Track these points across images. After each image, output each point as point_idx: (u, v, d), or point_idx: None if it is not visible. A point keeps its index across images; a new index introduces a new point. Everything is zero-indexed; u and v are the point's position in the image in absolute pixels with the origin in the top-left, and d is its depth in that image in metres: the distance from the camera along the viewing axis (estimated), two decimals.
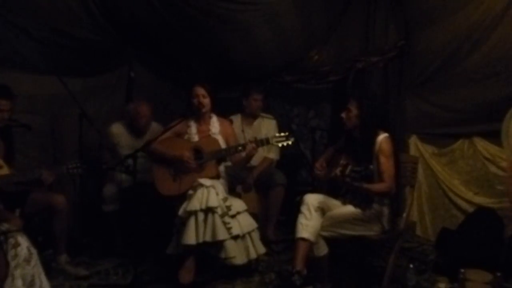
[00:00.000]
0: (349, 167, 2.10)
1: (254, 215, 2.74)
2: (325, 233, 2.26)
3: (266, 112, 3.47)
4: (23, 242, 1.11)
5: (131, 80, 3.62)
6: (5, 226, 1.09)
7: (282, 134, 2.50)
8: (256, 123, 3.40)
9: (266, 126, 3.39)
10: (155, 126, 3.18)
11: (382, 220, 2.27)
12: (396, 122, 3.25)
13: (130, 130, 3.13)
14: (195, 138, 2.71)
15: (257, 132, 3.33)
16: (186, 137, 2.74)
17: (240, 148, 2.56)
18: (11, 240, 1.09)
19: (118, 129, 3.13)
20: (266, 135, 3.22)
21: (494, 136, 2.79)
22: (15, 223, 2.20)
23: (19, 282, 1.06)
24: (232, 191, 2.85)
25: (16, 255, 1.08)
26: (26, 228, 2.07)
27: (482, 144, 2.91)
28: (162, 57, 3.72)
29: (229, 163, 2.82)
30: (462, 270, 2.13)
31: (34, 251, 1.13)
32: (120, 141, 3.10)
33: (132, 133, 3.13)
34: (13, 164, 2.53)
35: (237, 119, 3.35)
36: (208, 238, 2.37)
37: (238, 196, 2.88)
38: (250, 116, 3.39)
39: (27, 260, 1.09)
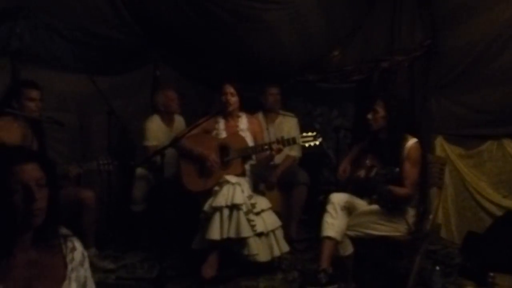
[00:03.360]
0: (375, 170, 2.12)
1: (277, 213, 2.75)
2: (350, 233, 2.25)
3: (287, 110, 3.48)
4: (79, 246, 1.16)
5: (157, 78, 3.70)
6: (64, 230, 1.14)
7: (310, 134, 2.49)
8: (277, 121, 3.42)
9: (288, 124, 3.40)
10: (180, 119, 3.27)
11: (409, 221, 2.25)
12: (421, 122, 3.21)
13: (163, 121, 3.23)
14: (223, 134, 2.74)
15: (279, 130, 3.34)
16: (214, 133, 2.77)
17: (266, 147, 2.58)
18: (69, 244, 1.13)
19: (154, 123, 3.18)
20: (288, 133, 3.24)
21: None
22: None
23: (74, 285, 1.10)
24: (255, 189, 2.87)
25: (73, 259, 1.12)
26: None
27: None
28: (187, 56, 3.78)
29: (253, 162, 2.85)
30: (491, 274, 2.10)
31: (86, 254, 1.19)
32: (158, 135, 3.15)
33: (165, 124, 3.23)
34: None
35: (259, 117, 3.36)
36: (232, 234, 2.40)
37: (262, 194, 2.90)
38: (271, 112, 3.40)
39: (82, 264, 1.14)
